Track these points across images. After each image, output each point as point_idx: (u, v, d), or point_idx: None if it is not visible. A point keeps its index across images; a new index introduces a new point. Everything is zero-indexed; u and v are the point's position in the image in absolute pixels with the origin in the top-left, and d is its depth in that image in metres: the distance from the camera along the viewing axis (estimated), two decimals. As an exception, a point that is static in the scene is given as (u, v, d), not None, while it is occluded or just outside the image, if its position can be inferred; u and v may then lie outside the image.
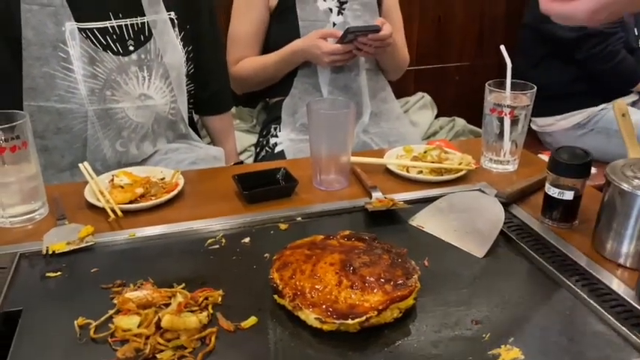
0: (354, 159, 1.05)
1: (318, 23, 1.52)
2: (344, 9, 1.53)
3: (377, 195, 0.96)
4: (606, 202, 0.79)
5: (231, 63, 1.55)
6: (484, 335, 0.65)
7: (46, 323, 0.67)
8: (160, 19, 1.19)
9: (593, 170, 0.94)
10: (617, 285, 0.73)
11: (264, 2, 1.53)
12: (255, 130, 1.73)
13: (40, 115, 1.13)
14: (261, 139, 1.59)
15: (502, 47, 1.10)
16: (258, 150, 1.59)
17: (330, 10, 1.52)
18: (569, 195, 0.85)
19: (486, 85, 1.08)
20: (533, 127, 2.06)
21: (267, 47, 1.57)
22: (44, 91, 1.11)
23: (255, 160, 1.59)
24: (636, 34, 1.92)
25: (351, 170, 1.05)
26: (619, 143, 1.13)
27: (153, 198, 0.95)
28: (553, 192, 0.86)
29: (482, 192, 0.98)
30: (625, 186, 0.75)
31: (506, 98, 1.05)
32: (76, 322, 0.66)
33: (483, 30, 2.46)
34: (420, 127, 1.96)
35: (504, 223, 0.85)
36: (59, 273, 0.77)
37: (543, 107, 1.59)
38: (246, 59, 1.57)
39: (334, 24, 1.53)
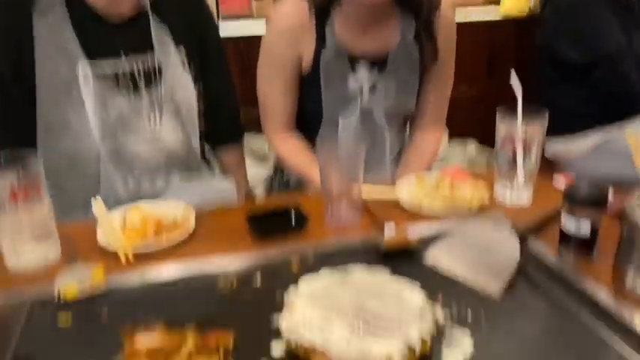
0: (365, 193, 1.04)
1: (342, 106, 1.32)
2: (376, 89, 1.32)
3: (390, 229, 0.95)
4: (625, 237, 0.77)
5: (272, 137, 1.39)
6: (503, 379, 0.63)
7: (58, 372, 0.67)
8: (169, 58, 1.20)
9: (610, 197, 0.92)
10: (640, 322, 0.71)
11: (293, 64, 1.30)
12: (266, 160, 1.73)
13: (55, 155, 1.15)
14: (274, 172, 1.58)
15: (512, 72, 1.08)
16: (271, 182, 1.58)
17: (361, 91, 1.31)
18: (586, 227, 0.83)
19: (497, 113, 1.06)
20: (546, 150, 2.04)
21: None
22: (59, 132, 1.13)
23: (268, 192, 1.58)
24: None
25: (363, 203, 1.04)
26: (634, 166, 1.11)
27: (164, 237, 0.95)
28: (569, 225, 0.84)
29: (497, 225, 0.96)
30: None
31: (517, 130, 1.04)
32: (87, 371, 0.66)
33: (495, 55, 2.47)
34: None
35: (520, 257, 0.83)
36: (71, 318, 0.77)
37: (556, 129, 1.56)
38: (294, 150, 1.38)
39: (360, 109, 1.33)
